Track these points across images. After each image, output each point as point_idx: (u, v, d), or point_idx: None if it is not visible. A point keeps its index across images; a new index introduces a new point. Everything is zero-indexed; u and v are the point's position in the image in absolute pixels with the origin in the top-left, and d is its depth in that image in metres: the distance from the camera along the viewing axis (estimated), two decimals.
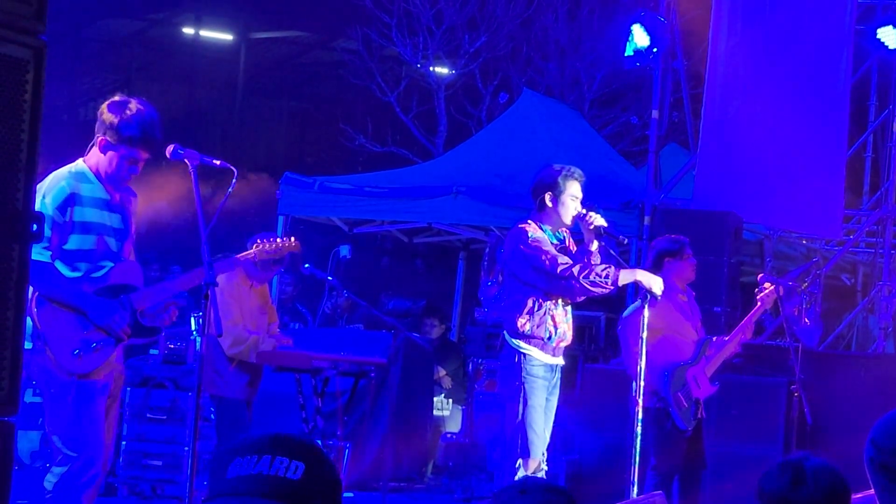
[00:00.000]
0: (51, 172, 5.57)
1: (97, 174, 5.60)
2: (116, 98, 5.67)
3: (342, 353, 8.78)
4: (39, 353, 5.43)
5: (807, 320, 9.56)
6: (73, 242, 5.50)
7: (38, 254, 5.37)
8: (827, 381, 9.78)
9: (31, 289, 5.40)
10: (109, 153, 5.57)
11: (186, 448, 9.17)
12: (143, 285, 5.70)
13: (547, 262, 7.09)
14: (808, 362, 9.71)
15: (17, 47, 3.07)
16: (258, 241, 6.95)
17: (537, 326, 7.13)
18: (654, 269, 7.93)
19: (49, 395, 5.48)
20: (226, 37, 27.96)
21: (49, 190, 5.48)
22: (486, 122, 18.88)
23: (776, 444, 9.41)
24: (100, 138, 5.59)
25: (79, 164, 5.62)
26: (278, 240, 7.11)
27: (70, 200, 5.49)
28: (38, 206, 5.35)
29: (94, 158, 5.62)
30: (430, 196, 12.78)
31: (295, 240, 7.28)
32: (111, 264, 5.59)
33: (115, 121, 5.54)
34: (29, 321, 5.40)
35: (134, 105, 5.59)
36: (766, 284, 8.29)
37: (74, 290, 5.47)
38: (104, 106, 5.68)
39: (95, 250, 5.55)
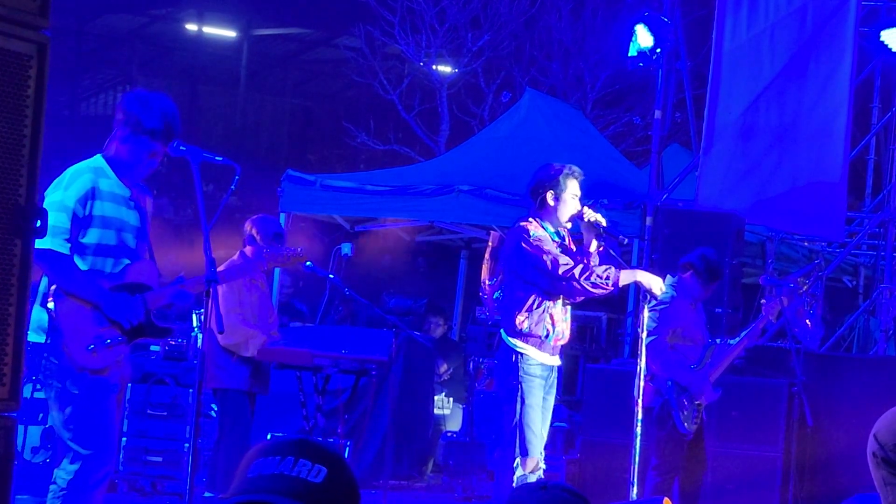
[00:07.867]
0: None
1: (116, 169, 5.55)
2: (135, 90, 5.64)
3: (343, 350, 8.76)
4: (54, 347, 5.40)
5: (808, 322, 9.54)
6: (93, 237, 5.45)
7: (60, 245, 5.35)
8: (828, 383, 9.77)
9: (47, 281, 5.42)
10: (130, 145, 5.53)
11: (187, 445, 9.17)
12: (157, 285, 5.67)
13: (549, 262, 7.06)
14: (809, 364, 9.71)
15: (21, 42, 3.06)
16: (268, 251, 6.95)
17: (535, 324, 7.10)
18: (680, 271, 7.98)
19: (60, 389, 5.41)
20: (228, 33, 27.95)
21: (70, 183, 5.43)
22: (488, 121, 18.84)
23: (777, 446, 9.40)
24: (119, 131, 5.54)
25: (97, 159, 5.56)
26: (288, 253, 7.09)
27: (91, 194, 5.44)
28: (59, 199, 5.35)
29: (114, 152, 5.56)
30: (431, 195, 12.76)
31: (302, 251, 7.26)
32: (128, 261, 5.56)
33: (137, 112, 5.49)
34: (44, 315, 5.39)
35: (155, 97, 5.56)
36: (771, 292, 8.29)
37: (90, 284, 5.43)
38: (123, 98, 5.64)
39: (113, 245, 5.51)
